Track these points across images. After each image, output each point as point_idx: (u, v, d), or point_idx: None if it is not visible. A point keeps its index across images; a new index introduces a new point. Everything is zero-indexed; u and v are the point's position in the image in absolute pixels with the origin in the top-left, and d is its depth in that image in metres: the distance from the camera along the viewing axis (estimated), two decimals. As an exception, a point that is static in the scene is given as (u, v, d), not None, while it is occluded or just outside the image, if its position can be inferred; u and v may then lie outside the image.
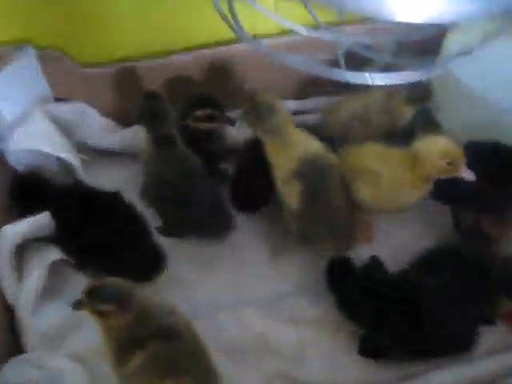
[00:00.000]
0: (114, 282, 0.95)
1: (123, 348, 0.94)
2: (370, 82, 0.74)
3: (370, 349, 1.11)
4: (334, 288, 1.13)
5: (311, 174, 1.15)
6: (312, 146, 1.18)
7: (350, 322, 1.11)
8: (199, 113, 1.26)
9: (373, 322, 1.07)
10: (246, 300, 1.19)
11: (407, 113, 1.33)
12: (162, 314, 0.96)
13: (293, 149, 1.16)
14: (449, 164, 1.10)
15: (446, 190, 1.18)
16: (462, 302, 1.06)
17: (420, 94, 1.34)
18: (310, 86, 1.49)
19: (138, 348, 0.93)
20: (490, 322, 1.13)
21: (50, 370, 1.03)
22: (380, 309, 1.06)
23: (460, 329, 1.07)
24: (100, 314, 0.93)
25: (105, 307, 0.92)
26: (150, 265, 1.18)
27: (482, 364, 1.06)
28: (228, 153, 1.37)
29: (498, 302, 1.10)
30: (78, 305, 0.94)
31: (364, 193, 1.19)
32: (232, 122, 1.27)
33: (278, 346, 1.12)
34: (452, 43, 1.30)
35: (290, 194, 1.18)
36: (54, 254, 1.17)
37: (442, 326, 1.04)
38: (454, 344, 1.08)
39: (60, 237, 1.19)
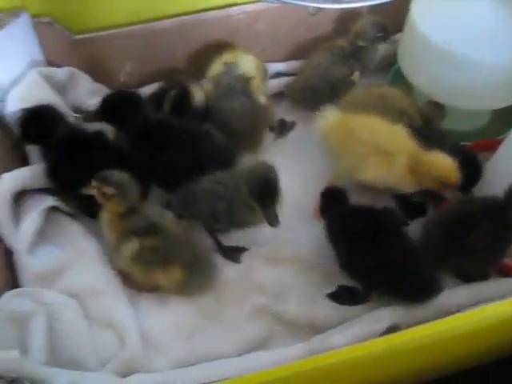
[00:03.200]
0: (119, 173, 1.14)
1: (121, 235, 1.14)
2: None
3: (340, 297, 1.20)
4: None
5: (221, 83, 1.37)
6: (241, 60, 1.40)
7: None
8: None
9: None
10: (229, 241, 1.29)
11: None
12: (152, 212, 1.17)
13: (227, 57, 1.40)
14: (442, 183, 1.19)
15: None
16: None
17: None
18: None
19: (133, 236, 1.13)
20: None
21: (46, 304, 1.11)
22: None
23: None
24: (104, 196, 1.12)
25: (109, 190, 1.11)
26: None
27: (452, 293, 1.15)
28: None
29: None
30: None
31: (374, 172, 1.23)
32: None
33: (260, 284, 1.21)
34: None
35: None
36: (49, 201, 1.25)
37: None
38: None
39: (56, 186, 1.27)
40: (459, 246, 1.14)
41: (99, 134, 1.28)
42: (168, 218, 1.18)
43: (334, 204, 1.23)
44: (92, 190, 1.13)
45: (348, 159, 1.26)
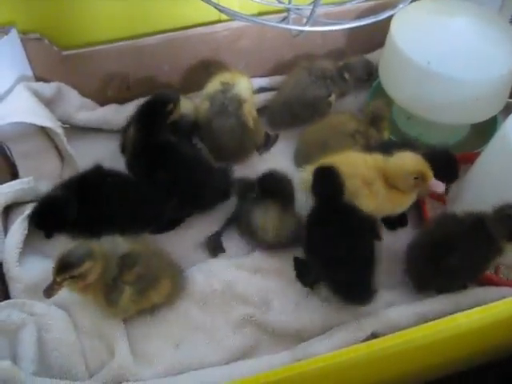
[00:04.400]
0: (73, 247, 1.06)
1: (111, 290, 1.09)
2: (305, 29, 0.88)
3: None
4: None
5: (216, 102, 1.41)
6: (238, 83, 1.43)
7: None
8: None
9: None
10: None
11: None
12: (117, 248, 1.11)
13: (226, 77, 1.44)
14: (416, 179, 1.20)
15: None
16: None
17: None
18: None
19: (124, 283, 1.09)
20: None
21: (36, 315, 1.13)
22: None
23: None
24: (82, 277, 1.04)
25: (85, 266, 1.04)
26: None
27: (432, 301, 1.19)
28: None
29: None
30: (50, 289, 1.03)
31: (367, 203, 1.23)
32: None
33: (245, 294, 1.24)
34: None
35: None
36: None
37: None
38: None
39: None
40: (442, 268, 1.17)
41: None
42: (127, 242, 1.13)
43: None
44: (61, 285, 1.03)
45: None
